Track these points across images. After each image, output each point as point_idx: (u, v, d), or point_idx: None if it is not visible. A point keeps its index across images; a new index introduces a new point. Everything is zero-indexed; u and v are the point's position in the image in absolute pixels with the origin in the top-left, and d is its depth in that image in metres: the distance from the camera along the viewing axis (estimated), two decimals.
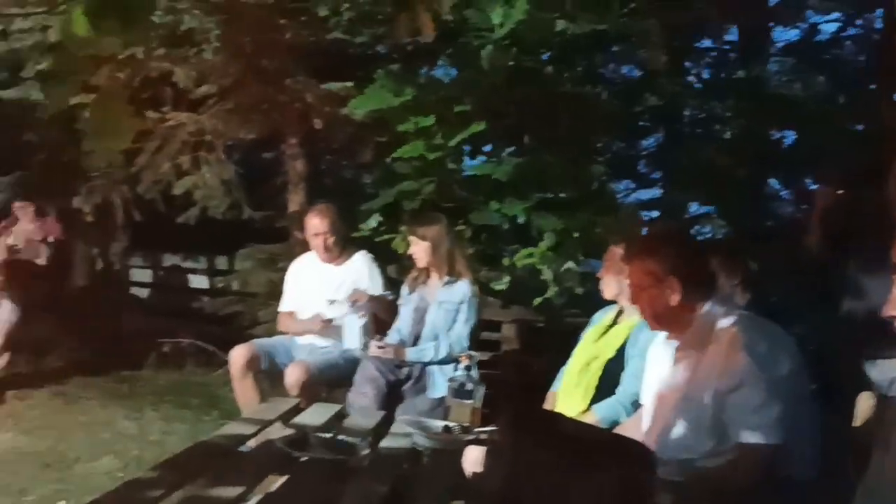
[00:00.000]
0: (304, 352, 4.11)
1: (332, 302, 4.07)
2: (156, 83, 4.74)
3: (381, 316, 4.19)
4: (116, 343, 6.13)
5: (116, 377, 5.36)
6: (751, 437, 2.06)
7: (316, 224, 4.20)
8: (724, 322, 2.20)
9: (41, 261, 5.67)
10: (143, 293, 7.05)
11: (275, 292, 4.86)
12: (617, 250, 3.01)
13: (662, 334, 2.39)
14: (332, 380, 3.97)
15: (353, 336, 3.93)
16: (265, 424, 2.71)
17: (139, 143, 4.79)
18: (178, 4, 4.13)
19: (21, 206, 5.68)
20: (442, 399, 3.72)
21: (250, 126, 5.27)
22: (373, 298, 4.10)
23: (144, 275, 7.03)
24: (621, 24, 4.98)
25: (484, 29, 4.82)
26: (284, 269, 4.65)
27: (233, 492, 2.01)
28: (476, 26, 4.87)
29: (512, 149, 5.69)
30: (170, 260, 6.83)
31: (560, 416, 2.40)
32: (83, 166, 5.72)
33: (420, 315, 4.02)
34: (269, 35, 4.87)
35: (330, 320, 4.10)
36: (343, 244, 4.29)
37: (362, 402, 3.63)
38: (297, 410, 2.99)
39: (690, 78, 7.68)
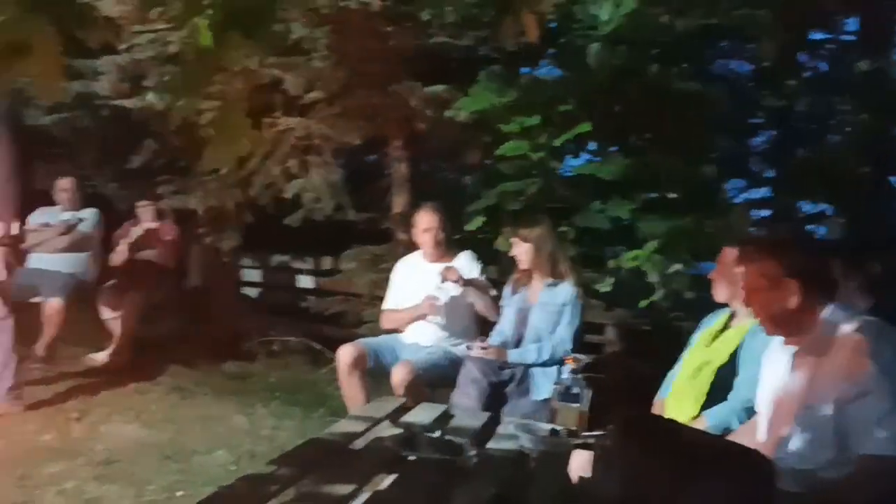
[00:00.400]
0: (408, 351, 4.16)
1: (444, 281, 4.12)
2: (267, 90, 4.91)
3: (479, 309, 4.21)
4: (229, 341, 6.38)
5: (229, 374, 5.54)
6: (875, 449, 1.95)
7: (427, 220, 4.27)
8: (847, 327, 2.09)
9: (160, 260, 5.97)
10: (254, 292, 7.29)
11: (378, 292, 4.95)
12: (731, 252, 2.92)
13: (779, 339, 2.30)
14: (435, 379, 3.99)
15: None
16: (374, 423, 2.75)
17: (251, 148, 4.95)
18: (288, 15, 4.26)
19: (143, 207, 6.00)
20: (545, 401, 3.71)
21: (356, 130, 5.39)
22: (468, 280, 4.12)
23: (254, 275, 7.27)
24: (732, 16, 4.81)
25: (589, 27, 4.76)
26: (387, 270, 4.72)
27: (344, 489, 2.05)
28: (581, 24, 4.81)
29: (616, 148, 5.60)
30: (278, 260, 7.04)
31: (674, 422, 2.35)
32: (199, 170, 5.99)
33: (522, 317, 4.00)
34: (374, 41, 4.96)
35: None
36: (448, 244, 4.33)
37: (465, 403, 3.63)
38: (404, 410, 3.02)
39: (806, 73, 7.34)
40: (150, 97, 5.38)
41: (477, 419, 3.00)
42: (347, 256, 6.06)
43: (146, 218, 6.00)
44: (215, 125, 1.88)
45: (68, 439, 3.93)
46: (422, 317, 4.20)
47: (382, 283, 4.73)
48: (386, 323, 4.43)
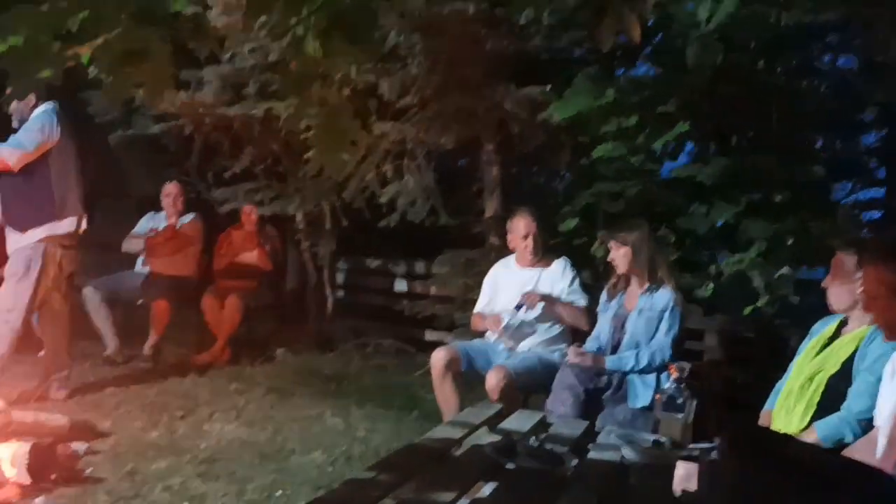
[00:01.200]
0: (503, 355, 4.13)
1: (518, 307, 4.08)
2: (363, 96, 4.98)
3: (566, 322, 4.16)
4: (324, 342, 6.50)
5: (325, 375, 5.63)
6: None
7: (521, 226, 4.24)
8: None
9: (259, 264, 6.14)
10: (348, 295, 7.39)
11: (471, 296, 4.95)
12: (847, 257, 2.78)
13: None
14: (529, 385, 3.96)
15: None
16: (472, 429, 2.73)
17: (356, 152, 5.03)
18: (384, 21, 4.31)
19: (247, 212, 6.19)
20: (643, 409, 3.62)
21: (449, 134, 5.40)
22: (552, 301, 4.09)
23: (349, 277, 7.38)
24: (842, 11, 4.59)
25: (688, 24, 4.62)
26: (480, 274, 4.71)
27: (445, 497, 2.04)
28: (680, 22, 4.67)
29: (717, 149, 5.42)
30: (372, 263, 7.14)
31: (787, 437, 2.25)
32: (297, 175, 6.13)
33: (619, 323, 3.92)
34: (469, 45, 4.96)
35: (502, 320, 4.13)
36: (543, 250, 4.29)
37: (561, 410, 3.58)
38: (500, 416, 2.99)
39: None
40: (251, 105, 5.54)
41: (576, 428, 2.94)
42: (440, 260, 6.08)
43: (247, 222, 6.20)
44: (321, 131, 1.91)
45: (173, 437, 4.05)
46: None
47: (475, 287, 4.74)
48: (474, 326, 4.43)
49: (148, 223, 6.08)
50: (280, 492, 3.38)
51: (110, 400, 4.63)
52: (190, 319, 6.08)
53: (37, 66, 1.72)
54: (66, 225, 4.41)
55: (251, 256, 6.15)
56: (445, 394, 4.04)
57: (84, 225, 4.55)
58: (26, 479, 3.14)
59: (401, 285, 6.79)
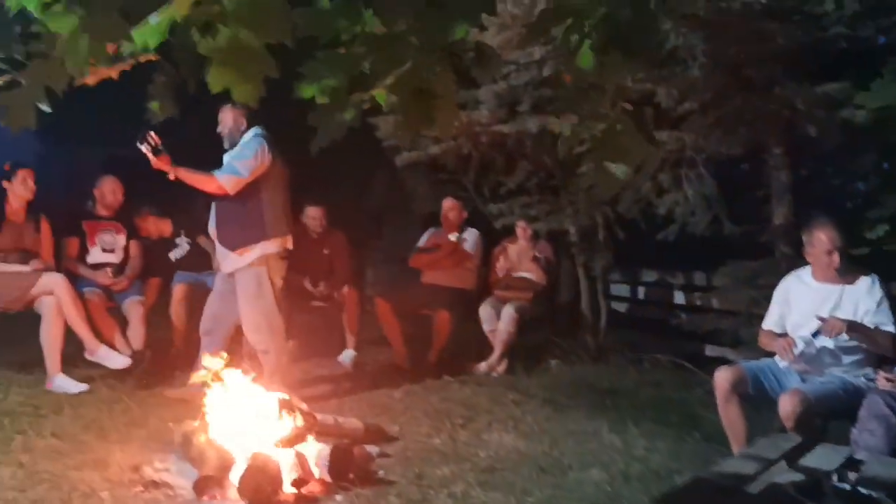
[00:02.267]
0: (797, 378, 3.78)
1: (815, 334, 3.69)
2: (638, 104, 4.84)
3: (872, 350, 3.69)
4: (598, 355, 6.42)
5: (599, 389, 5.55)
6: None
7: (828, 239, 3.81)
8: None
9: (535, 277, 6.23)
10: (622, 307, 7.25)
11: (756, 310, 4.60)
12: None
13: None
14: (829, 412, 3.57)
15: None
16: (767, 464, 2.51)
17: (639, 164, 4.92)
18: (663, 26, 4.14)
19: (522, 226, 6.33)
20: None
21: (732, 139, 5.08)
22: (857, 329, 3.63)
23: (623, 289, 7.24)
24: None
25: None
26: (766, 287, 4.39)
27: None
28: None
29: None
30: (648, 275, 6.93)
31: None
32: (570, 189, 6.14)
33: None
34: (755, 43, 4.62)
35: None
36: (846, 264, 3.85)
37: (870, 442, 3.19)
38: (800, 449, 2.71)
39: None
40: (525, 121, 5.63)
41: (894, 469, 2.58)
42: (723, 272, 5.74)
43: (521, 236, 6.33)
44: (600, 148, 1.86)
45: (455, 444, 4.19)
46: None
47: (761, 301, 4.40)
48: (763, 344, 4.08)
49: (430, 238, 6.44)
50: None
51: (398, 405, 4.93)
52: (468, 329, 6.31)
53: (340, 109, 1.83)
54: (275, 245, 4.64)
55: (526, 269, 6.26)
56: (731, 417, 3.78)
57: (290, 244, 4.76)
58: (328, 478, 3.42)
59: (678, 298, 6.52)
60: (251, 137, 4.65)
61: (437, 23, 1.73)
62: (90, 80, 1.90)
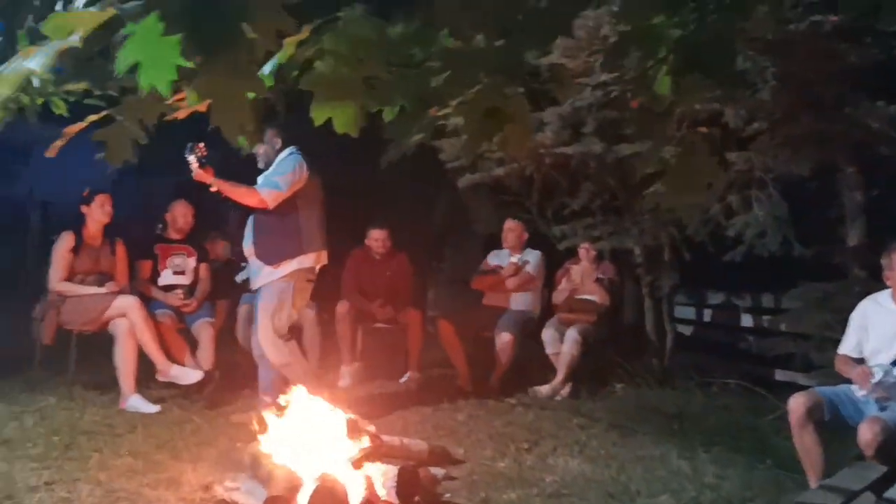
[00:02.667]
0: (874, 406, 3.65)
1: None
2: (706, 125, 4.79)
3: None
4: (664, 379, 6.30)
5: (666, 413, 5.44)
6: None
7: None
8: None
9: (598, 299, 6.17)
10: (687, 330, 7.12)
11: (830, 334, 4.46)
12: None
13: None
14: None
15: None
16: (852, 495, 2.43)
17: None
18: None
19: (586, 248, 6.29)
20: None
21: (802, 159, 4.97)
22: None
23: (689, 312, 7.11)
24: None
25: None
26: (840, 310, 4.26)
27: None
28: None
29: None
30: (715, 297, 6.80)
31: None
32: (634, 210, 6.08)
33: None
34: (824, 62, 4.53)
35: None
36: None
37: None
38: (886, 480, 2.62)
39: None
40: (590, 143, 5.61)
41: None
42: (793, 294, 5.59)
43: (584, 258, 6.28)
44: (673, 172, 1.84)
45: (521, 468, 4.16)
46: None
47: (834, 325, 4.27)
48: (839, 370, 3.96)
49: (493, 260, 6.45)
50: None
51: (462, 428, 4.92)
52: (530, 352, 6.27)
53: (413, 128, 1.87)
54: (311, 259, 4.71)
55: (589, 291, 6.20)
56: (806, 444, 3.67)
57: (325, 259, 4.82)
58: (395, 500, 3.43)
59: (746, 320, 6.38)
60: (287, 155, 4.76)
61: (514, 44, 1.74)
62: (181, 114, 1.97)
